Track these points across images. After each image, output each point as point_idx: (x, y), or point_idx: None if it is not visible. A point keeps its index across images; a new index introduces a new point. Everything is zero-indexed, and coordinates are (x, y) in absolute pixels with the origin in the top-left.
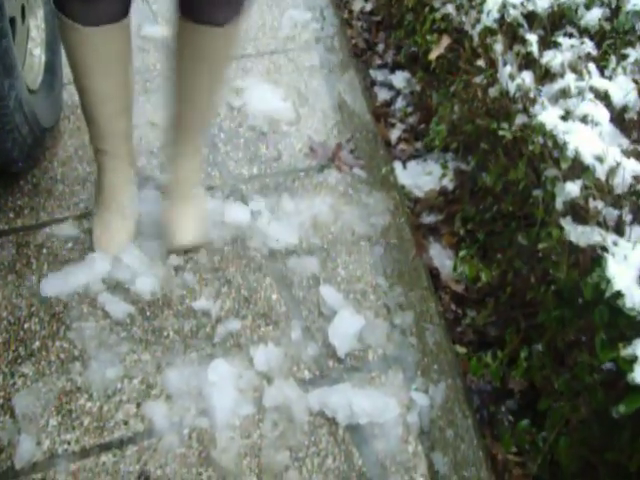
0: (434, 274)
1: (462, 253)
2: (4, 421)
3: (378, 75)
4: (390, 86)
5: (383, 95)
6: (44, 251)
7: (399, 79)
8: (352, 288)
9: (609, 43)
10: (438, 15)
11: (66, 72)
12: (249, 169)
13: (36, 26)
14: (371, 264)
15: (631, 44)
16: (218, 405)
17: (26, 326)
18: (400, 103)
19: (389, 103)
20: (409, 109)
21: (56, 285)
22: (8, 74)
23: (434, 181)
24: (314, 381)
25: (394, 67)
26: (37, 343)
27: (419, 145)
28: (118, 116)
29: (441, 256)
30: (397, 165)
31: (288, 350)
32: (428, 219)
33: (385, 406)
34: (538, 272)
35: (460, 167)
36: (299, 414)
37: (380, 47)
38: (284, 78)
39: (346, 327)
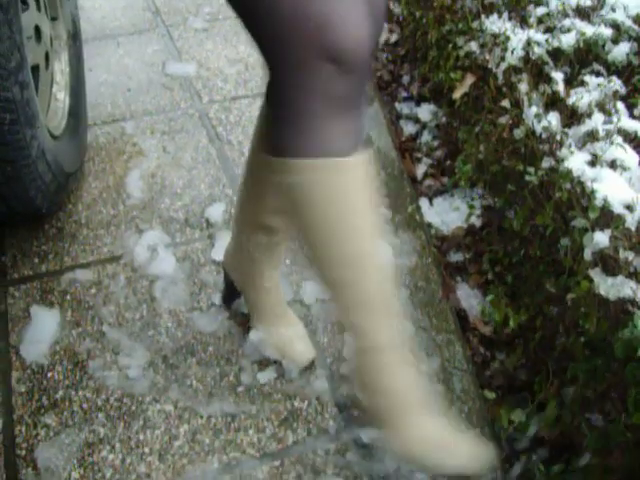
0: (461, 315)
1: (490, 297)
2: (27, 474)
3: (404, 108)
4: (416, 119)
5: (409, 129)
6: (67, 297)
7: (425, 112)
8: None
9: (639, 79)
10: (462, 52)
11: (90, 115)
12: None
13: (60, 70)
14: (397, 308)
15: None
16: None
17: (49, 375)
18: (426, 137)
19: (415, 137)
20: (435, 143)
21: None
22: (30, 125)
23: (461, 218)
24: (339, 432)
25: (420, 100)
26: (60, 392)
27: (445, 180)
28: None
29: (469, 297)
30: (424, 201)
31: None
32: (455, 257)
33: None
34: (567, 320)
35: (488, 204)
36: (323, 466)
37: (405, 79)
38: None
39: None
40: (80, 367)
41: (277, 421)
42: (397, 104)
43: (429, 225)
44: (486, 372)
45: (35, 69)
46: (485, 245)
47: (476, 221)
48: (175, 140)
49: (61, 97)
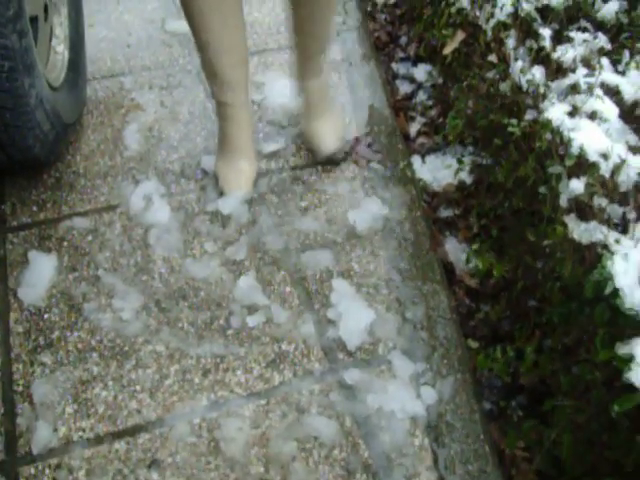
0: (449, 269)
1: (475, 247)
2: (23, 408)
3: (400, 68)
4: (412, 79)
5: (404, 88)
6: (64, 244)
7: (421, 72)
8: (365, 282)
9: (625, 37)
10: (453, 9)
11: (90, 70)
12: (267, 163)
13: (60, 23)
14: (385, 258)
15: None
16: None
17: (46, 317)
18: (421, 96)
19: (410, 96)
20: (430, 102)
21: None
22: (28, 73)
23: (452, 175)
24: (324, 373)
25: (416, 60)
26: (56, 333)
27: (439, 139)
28: (236, 67)
29: (456, 250)
30: (416, 159)
31: (298, 347)
32: (445, 213)
33: (393, 399)
34: (546, 268)
35: (478, 161)
36: (307, 405)
37: (403, 40)
38: None
39: (357, 321)
40: (76, 309)
41: (264, 363)
42: (394, 64)
43: (420, 181)
44: (470, 322)
45: (34, 21)
46: (474, 201)
47: (467, 178)
48: (173, 95)
49: (60, 50)
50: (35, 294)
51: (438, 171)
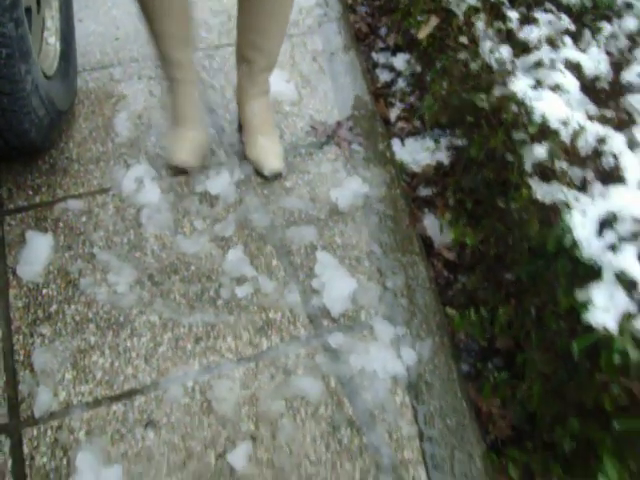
0: (427, 243)
1: (448, 217)
2: (24, 375)
3: (380, 58)
4: (391, 68)
5: (384, 77)
6: (60, 224)
7: (400, 61)
8: (347, 254)
9: (589, 18)
10: None
11: (80, 62)
12: None
13: (51, 16)
14: (366, 233)
15: (608, 18)
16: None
17: (44, 292)
18: (400, 84)
19: (390, 84)
20: (409, 89)
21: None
22: (24, 60)
23: (431, 156)
24: (309, 338)
25: (395, 50)
26: (54, 307)
27: (418, 123)
28: (182, 48)
29: (435, 226)
30: (396, 142)
31: (285, 315)
32: (424, 192)
33: (375, 360)
34: (516, 233)
35: (455, 143)
36: (294, 368)
37: (382, 31)
38: (288, 61)
39: (340, 290)
40: (72, 284)
41: (253, 330)
42: (374, 54)
43: (400, 162)
44: (449, 292)
45: (28, 12)
46: (452, 179)
47: (445, 159)
48: (161, 85)
49: (52, 41)
50: (33, 271)
51: (417, 153)
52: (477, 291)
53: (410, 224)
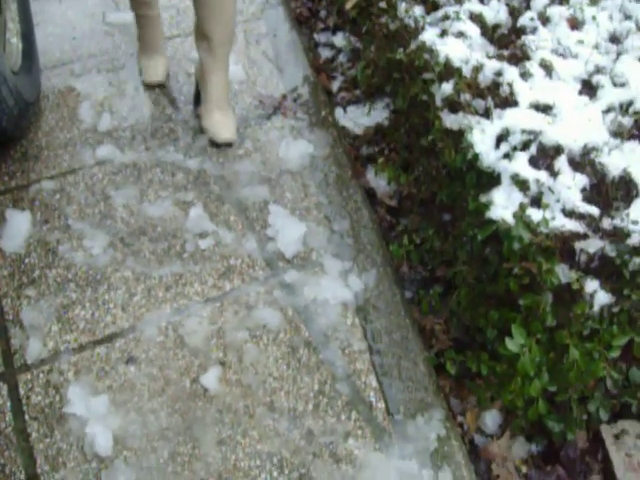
0: (371, 194)
1: (380, 160)
2: (15, 331)
3: (321, 37)
4: (332, 46)
5: (326, 54)
6: (36, 203)
7: (339, 39)
8: (297, 206)
9: None
10: None
11: (42, 61)
12: None
13: (12, 19)
14: (313, 187)
15: None
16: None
17: (27, 260)
18: (341, 59)
19: (331, 60)
20: (349, 64)
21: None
22: None
23: (371, 120)
24: (267, 278)
25: (335, 29)
26: (37, 272)
27: (359, 92)
28: None
29: (377, 179)
30: (338, 110)
31: (244, 261)
32: (366, 151)
33: (326, 290)
34: (435, 163)
35: (391, 103)
36: (255, 303)
37: (323, 13)
38: (235, 46)
39: (292, 235)
40: (52, 252)
41: (217, 275)
42: (315, 35)
43: (343, 127)
44: (392, 233)
45: None
46: (389, 136)
47: (385, 121)
48: (119, 75)
49: (14, 41)
50: (15, 244)
51: (359, 118)
52: (417, 230)
53: (353, 177)
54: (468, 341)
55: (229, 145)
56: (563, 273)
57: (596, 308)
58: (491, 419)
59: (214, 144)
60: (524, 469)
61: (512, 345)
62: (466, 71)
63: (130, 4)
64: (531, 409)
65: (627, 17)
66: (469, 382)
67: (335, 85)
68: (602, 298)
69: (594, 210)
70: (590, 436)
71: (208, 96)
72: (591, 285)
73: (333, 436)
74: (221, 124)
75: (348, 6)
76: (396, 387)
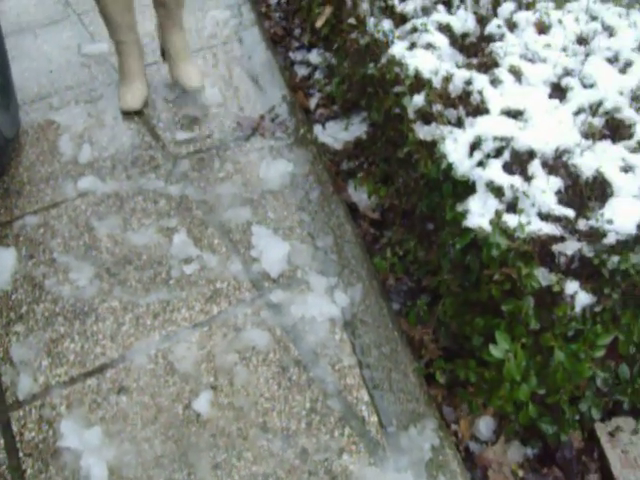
0: (353, 208)
1: (360, 174)
2: (5, 368)
3: (297, 55)
4: (308, 63)
5: (302, 72)
6: (21, 238)
7: (315, 56)
8: (280, 225)
9: None
10: None
11: (20, 96)
12: (186, 148)
13: None
14: (295, 205)
15: None
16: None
17: (14, 297)
18: (318, 76)
19: (308, 77)
20: (326, 80)
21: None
22: None
23: (351, 135)
24: (254, 299)
25: (310, 47)
26: (24, 308)
27: (336, 108)
28: (124, 12)
29: (359, 193)
30: (318, 127)
31: (230, 283)
32: (347, 166)
33: (312, 307)
34: (413, 174)
35: (369, 118)
36: (243, 324)
37: (297, 32)
38: (210, 70)
39: (276, 254)
40: (38, 287)
41: (203, 300)
42: (291, 53)
43: (322, 143)
44: (376, 246)
45: None
46: (368, 150)
47: (363, 135)
48: (97, 106)
49: None
50: (1, 280)
51: (338, 134)
52: (401, 242)
53: (334, 193)
54: (457, 349)
55: (198, 90)
56: (543, 276)
57: (578, 309)
58: (485, 425)
59: (185, 91)
60: (521, 473)
61: (496, 351)
62: (436, 82)
63: (109, 32)
64: (521, 413)
65: (593, 18)
66: (460, 390)
67: (313, 102)
68: (583, 298)
69: (569, 212)
70: (585, 435)
71: (171, 51)
72: (571, 286)
73: (327, 453)
74: (187, 73)
75: (318, 24)
76: (388, 400)
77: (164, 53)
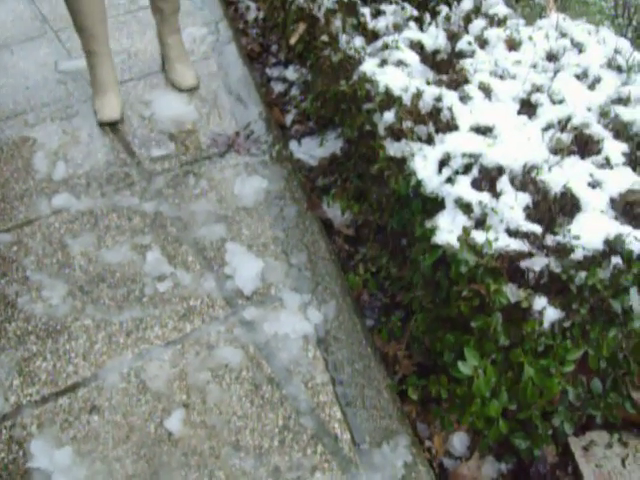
0: (328, 224)
1: (333, 191)
2: None
3: (274, 72)
4: (284, 79)
5: (278, 88)
6: None
7: (291, 72)
8: (254, 242)
9: (431, 5)
10: (294, 7)
11: None
12: (161, 165)
13: None
14: (270, 222)
15: (448, 3)
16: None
17: None
18: (294, 92)
19: (284, 94)
20: (302, 97)
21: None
22: None
23: (327, 151)
24: (227, 317)
25: (287, 63)
26: None
27: (311, 124)
28: (97, 24)
29: (333, 209)
30: (294, 143)
31: (203, 301)
32: (322, 182)
33: (285, 325)
34: (385, 190)
35: (343, 135)
36: (216, 342)
37: (274, 48)
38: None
39: (249, 271)
40: (10, 305)
41: (177, 317)
42: (268, 69)
43: (298, 160)
44: (351, 262)
45: None
46: (342, 166)
47: (338, 151)
48: (72, 123)
49: None
50: None
51: (313, 150)
52: (374, 258)
53: (309, 209)
54: (431, 365)
55: (194, 89)
56: (512, 292)
57: (546, 324)
58: (459, 441)
59: (181, 90)
60: None
61: (465, 368)
62: (406, 99)
63: (82, 44)
64: (492, 429)
65: (563, 35)
66: (434, 406)
67: (289, 118)
68: (552, 314)
69: (537, 228)
70: (559, 450)
71: (169, 54)
72: (539, 302)
73: (300, 471)
74: (183, 74)
75: (292, 41)
76: (361, 416)
77: (164, 63)
